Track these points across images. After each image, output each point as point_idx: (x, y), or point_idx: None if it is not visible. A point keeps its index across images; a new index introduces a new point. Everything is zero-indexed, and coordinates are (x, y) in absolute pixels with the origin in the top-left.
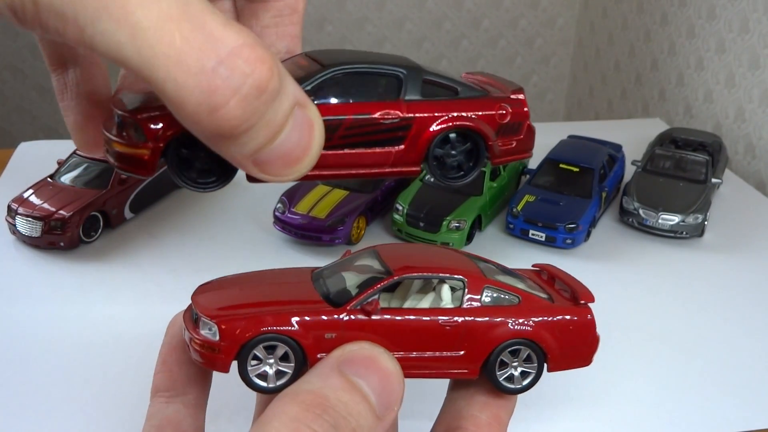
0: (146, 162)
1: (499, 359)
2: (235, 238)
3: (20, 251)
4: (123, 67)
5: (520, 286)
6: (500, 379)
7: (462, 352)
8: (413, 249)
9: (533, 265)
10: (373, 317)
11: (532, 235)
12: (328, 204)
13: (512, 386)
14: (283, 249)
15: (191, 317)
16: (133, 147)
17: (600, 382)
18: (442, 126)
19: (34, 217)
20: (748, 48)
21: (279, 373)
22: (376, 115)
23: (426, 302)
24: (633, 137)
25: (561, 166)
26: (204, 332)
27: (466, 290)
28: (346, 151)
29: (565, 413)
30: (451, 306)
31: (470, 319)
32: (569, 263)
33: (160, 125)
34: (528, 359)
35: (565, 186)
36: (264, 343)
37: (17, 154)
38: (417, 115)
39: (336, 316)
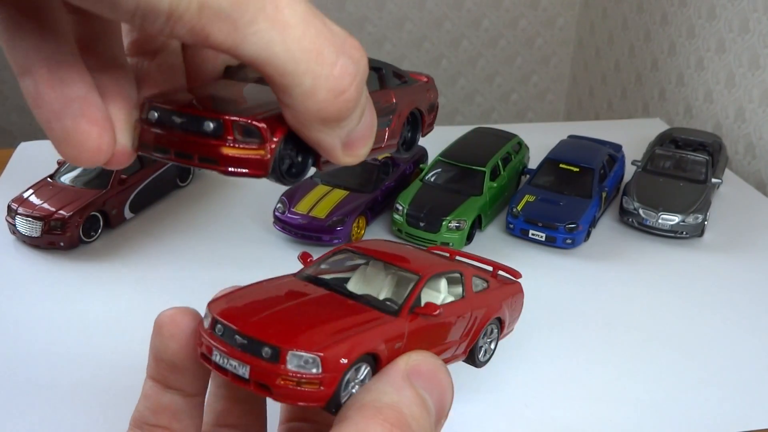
0: (265, 162)
1: (480, 336)
2: (235, 238)
3: (20, 251)
4: (262, 65)
5: (479, 272)
6: (478, 356)
7: (463, 337)
8: (390, 247)
9: (429, 248)
10: (428, 318)
11: (532, 235)
12: (328, 204)
13: (486, 358)
14: (283, 249)
15: (248, 349)
16: (249, 149)
17: (600, 381)
18: (409, 108)
19: (34, 217)
20: (748, 48)
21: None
22: (382, 103)
23: (429, 296)
24: (633, 137)
25: (561, 166)
26: (295, 366)
27: (464, 282)
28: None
29: (564, 413)
30: (452, 298)
31: (474, 306)
32: (569, 263)
33: (271, 127)
34: (490, 333)
35: (565, 186)
36: (357, 365)
37: (17, 154)
38: (399, 101)
39: (400, 325)
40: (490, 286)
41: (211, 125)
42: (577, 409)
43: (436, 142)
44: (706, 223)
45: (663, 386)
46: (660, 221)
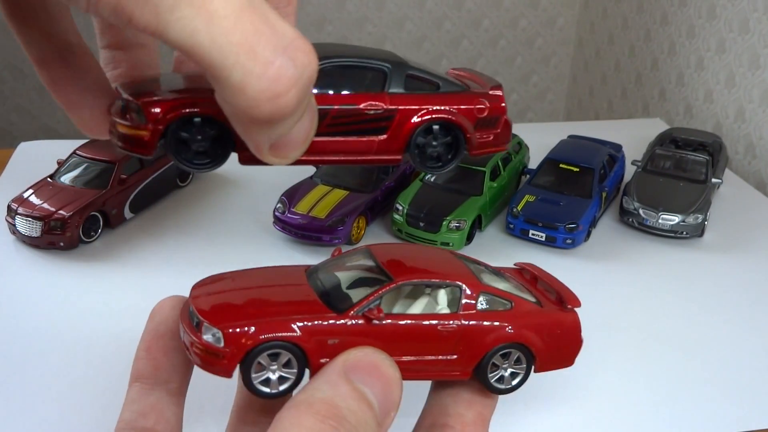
0: (146, 142)
1: (491, 361)
2: (235, 238)
3: (20, 251)
4: (188, 53)
5: (510, 289)
6: (491, 381)
7: (456, 356)
8: (407, 251)
9: (515, 264)
10: (375, 323)
11: (532, 235)
12: (328, 204)
13: (502, 386)
14: (283, 249)
15: (190, 319)
16: (135, 129)
17: (600, 381)
18: (423, 118)
19: (33, 217)
20: (748, 48)
21: (281, 379)
22: (361, 106)
23: (419, 306)
24: (633, 137)
25: (561, 166)
26: (207, 338)
27: (463, 296)
28: (333, 138)
29: (564, 413)
30: (447, 311)
31: (467, 324)
32: (569, 263)
33: (159, 109)
34: (517, 361)
35: (566, 186)
36: (268, 351)
37: (17, 154)
38: (399, 107)
39: (339, 322)
40: (514, 308)
41: (121, 105)
42: (577, 409)
43: None
44: (706, 223)
45: (663, 386)
46: (660, 221)
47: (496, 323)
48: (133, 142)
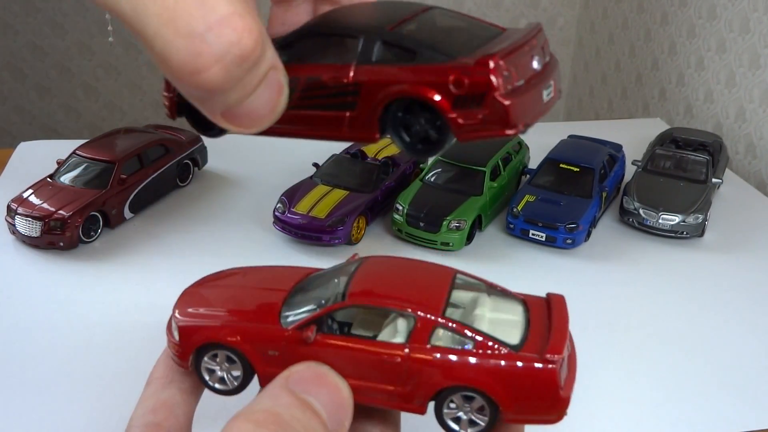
0: (168, 108)
1: (447, 400)
2: (235, 238)
3: (20, 251)
4: (117, 17)
5: (491, 324)
6: (445, 418)
7: (407, 388)
8: (395, 269)
9: (547, 294)
10: (308, 342)
11: (533, 235)
12: (328, 204)
13: (457, 428)
14: (283, 249)
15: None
16: (165, 97)
17: (600, 381)
18: (387, 93)
19: (33, 217)
20: (748, 48)
21: (232, 378)
22: (325, 79)
23: (385, 331)
24: (633, 137)
25: (561, 166)
26: (171, 328)
27: (414, 328)
28: (305, 111)
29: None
30: (401, 340)
31: (413, 356)
32: (569, 263)
33: None
34: (481, 410)
35: (566, 186)
36: (211, 351)
37: (17, 154)
38: (363, 80)
39: (278, 335)
40: (476, 348)
41: None
42: (577, 409)
43: None
44: (706, 223)
45: (663, 386)
46: (660, 221)
47: (449, 361)
48: (165, 107)
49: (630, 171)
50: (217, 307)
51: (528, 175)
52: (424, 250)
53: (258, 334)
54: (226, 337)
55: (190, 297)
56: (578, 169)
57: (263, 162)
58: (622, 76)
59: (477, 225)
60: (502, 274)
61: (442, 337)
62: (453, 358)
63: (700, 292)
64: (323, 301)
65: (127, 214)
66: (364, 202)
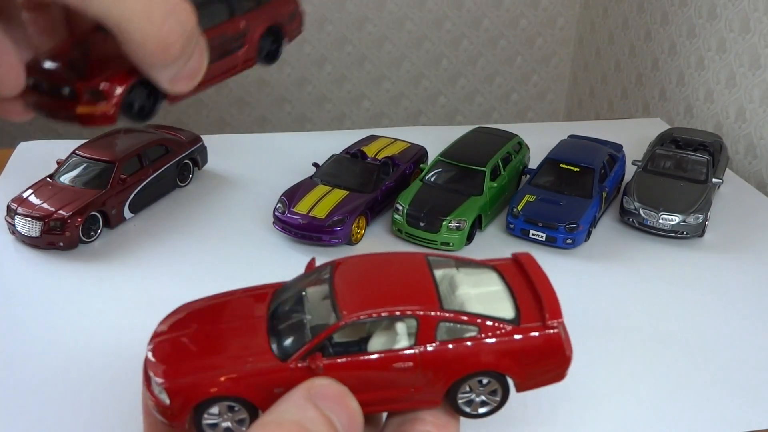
0: (111, 116)
1: (462, 387)
2: (235, 238)
3: (19, 251)
4: (101, 22)
5: (483, 304)
6: (459, 403)
7: (421, 386)
8: (370, 269)
9: (512, 254)
10: (319, 372)
11: (533, 235)
12: (328, 204)
13: (469, 411)
14: (283, 249)
15: (145, 368)
16: (98, 107)
17: (600, 381)
18: (265, 25)
19: (33, 217)
20: (748, 48)
21: (237, 425)
22: (233, 31)
23: (380, 338)
24: (633, 137)
25: (561, 166)
26: (155, 391)
27: (419, 329)
28: (215, 63)
29: (564, 412)
30: (406, 342)
31: (424, 358)
32: (569, 263)
33: (118, 87)
34: (492, 392)
35: (566, 186)
36: (211, 405)
37: (17, 153)
38: (249, 23)
39: (282, 372)
40: (481, 333)
41: (67, 90)
42: (578, 409)
43: (436, 142)
44: (706, 223)
45: (664, 386)
46: (660, 221)
47: (460, 352)
48: (99, 119)
49: (630, 171)
50: (199, 356)
51: (528, 175)
52: (424, 250)
53: (260, 376)
54: (228, 389)
55: (163, 351)
56: (578, 169)
57: (263, 162)
58: (622, 76)
59: (477, 225)
60: None
61: (446, 330)
62: (463, 347)
63: (700, 292)
64: (314, 324)
65: (127, 214)
66: (364, 202)
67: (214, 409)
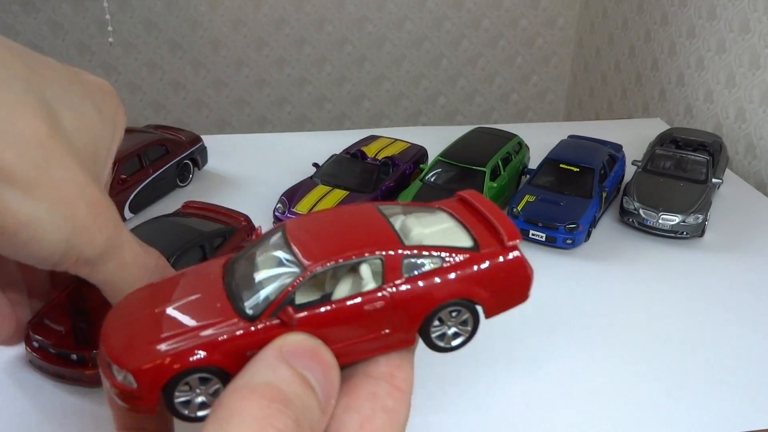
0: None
1: (433, 322)
2: None
3: None
4: (100, 287)
5: (442, 237)
6: (433, 338)
7: (392, 328)
8: (323, 223)
9: (455, 194)
10: (293, 325)
11: (532, 235)
12: (328, 204)
13: (443, 345)
14: None
15: (103, 357)
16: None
17: (600, 381)
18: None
19: None
20: (748, 48)
21: (212, 397)
22: None
23: (345, 284)
24: (633, 137)
25: (561, 166)
26: (120, 379)
27: (385, 269)
28: None
29: (564, 412)
30: (373, 285)
31: (395, 296)
32: (569, 263)
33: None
34: (463, 323)
35: (566, 186)
36: (182, 381)
37: None
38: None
39: (252, 330)
40: (447, 262)
41: (75, 357)
42: (578, 410)
43: (436, 142)
44: (706, 223)
45: (664, 386)
46: (660, 221)
47: (430, 285)
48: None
49: (630, 171)
50: (160, 332)
51: (528, 175)
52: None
53: (230, 341)
54: (197, 361)
55: (119, 334)
56: (578, 169)
57: (263, 162)
58: (622, 77)
59: None
60: None
61: (411, 266)
62: (430, 280)
63: (700, 292)
64: (277, 283)
65: (127, 214)
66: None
67: (185, 386)
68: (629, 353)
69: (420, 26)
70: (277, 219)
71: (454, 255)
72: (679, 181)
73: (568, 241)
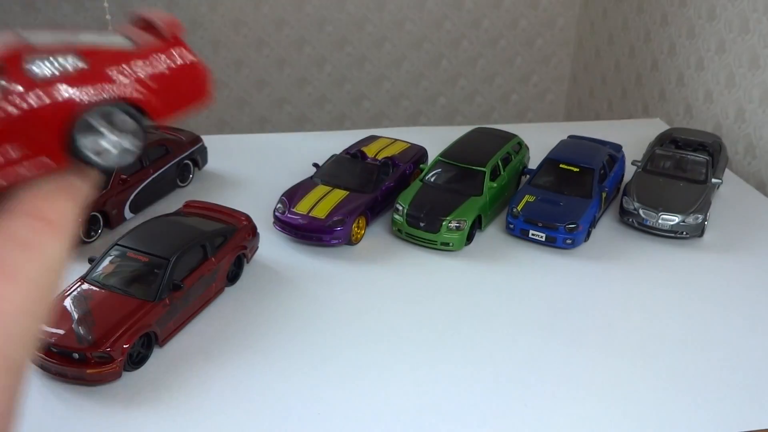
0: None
1: (80, 133)
2: None
3: None
4: None
5: (87, 40)
6: (86, 152)
7: (25, 143)
8: None
9: (129, 13)
10: None
11: (532, 235)
12: (328, 204)
13: (100, 161)
14: (283, 249)
15: None
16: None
17: (600, 381)
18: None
19: None
20: (748, 48)
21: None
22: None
23: None
24: (633, 137)
25: (561, 166)
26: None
27: (5, 72)
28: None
29: (565, 412)
30: None
31: (20, 105)
32: (569, 263)
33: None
34: (122, 128)
35: (566, 186)
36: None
37: None
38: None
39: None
40: (91, 63)
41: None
42: (578, 408)
43: (436, 142)
44: (706, 223)
45: (663, 385)
46: (660, 221)
47: (67, 88)
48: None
49: (630, 171)
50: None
51: (528, 176)
52: (424, 250)
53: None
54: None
55: None
56: (578, 170)
57: (263, 162)
58: (622, 77)
59: (477, 225)
60: (502, 274)
61: (41, 66)
62: (69, 80)
63: (699, 291)
64: None
65: (128, 214)
66: (364, 202)
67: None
68: (629, 352)
69: (420, 26)
70: (277, 219)
71: (99, 54)
72: (678, 182)
73: (568, 241)
